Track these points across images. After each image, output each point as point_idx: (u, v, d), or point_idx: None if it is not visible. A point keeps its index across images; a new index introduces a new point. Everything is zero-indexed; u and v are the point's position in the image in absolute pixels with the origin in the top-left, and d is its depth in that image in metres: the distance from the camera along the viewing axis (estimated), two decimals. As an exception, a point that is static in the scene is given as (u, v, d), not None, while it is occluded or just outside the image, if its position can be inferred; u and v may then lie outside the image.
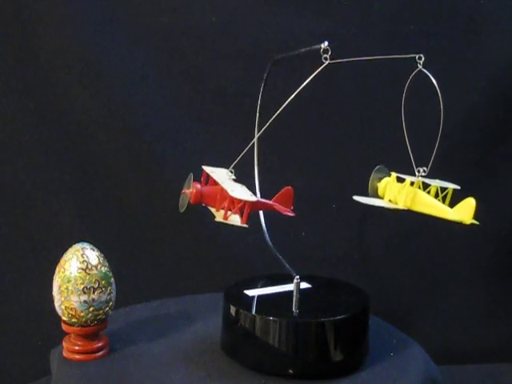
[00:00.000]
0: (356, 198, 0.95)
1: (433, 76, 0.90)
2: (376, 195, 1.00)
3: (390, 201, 0.96)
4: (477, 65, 1.35)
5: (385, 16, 1.32)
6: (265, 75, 0.99)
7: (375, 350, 0.94)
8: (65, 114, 1.29)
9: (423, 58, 0.92)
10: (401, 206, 0.94)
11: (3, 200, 1.30)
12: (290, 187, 0.95)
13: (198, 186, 0.90)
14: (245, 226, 0.86)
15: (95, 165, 1.31)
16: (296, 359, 0.87)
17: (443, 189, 0.96)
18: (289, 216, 0.93)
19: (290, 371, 0.87)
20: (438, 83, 0.89)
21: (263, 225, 0.94)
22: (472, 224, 0.88)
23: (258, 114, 1.00)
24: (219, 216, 0.88)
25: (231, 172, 0.91)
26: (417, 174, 0.94)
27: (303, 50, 0.86)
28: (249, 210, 0.86)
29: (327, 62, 0.81)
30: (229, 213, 0.87)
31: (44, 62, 1.26)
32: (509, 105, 1.36)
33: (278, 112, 0.83)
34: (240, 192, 0.86)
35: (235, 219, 0.87)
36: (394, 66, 1.29)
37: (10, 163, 1.30)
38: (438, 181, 0.95)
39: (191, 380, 0.87)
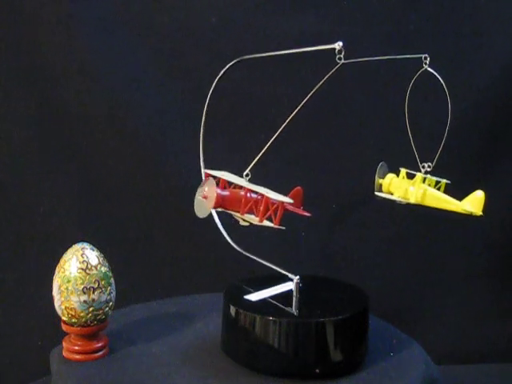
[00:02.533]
0: (377, 193, 1.01)
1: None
2: (380, 191, 1.02)
3: (398, 197, 0.99)
4: (477, 64, 1.35)
5: (385, 16, 1.32)
6: (221, 72, 0.98)
7: (375, 350, 0.94)
8: (65, 114, 1.29)
9: (429, 58, 0.93)
10: (413, 200, 0.96)
11: (3, 200, 1.30)
12: (299, 187, 0.95)
13: (219, 190, 0.86)
14: (282, 227, 0.84)
15: (95, 165, 1.31)
16: (296, 359, 0.87)
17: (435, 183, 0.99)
18: (305, 216, 0.92)
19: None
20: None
21: (221, 228, 0.92)
22: (481, 216, 0.91)
23: (205, 107, 0.99)
24: (252, 220, 0.86)
25: (247, 175, 0.88)
26: (422, 169, 0.97)
27: (315, 48, 0.85)
28: (282, 211, 0.84)
29: (341, 63, 0.81)
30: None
31: (44, 63, 1.26)
32: (509, 104, 1.36)
33: (294, 113, 0.83)
34: (275, 194, 0.84)
35: (266, 222, 0.85)
36: (393, 66, 1.29)
37: (10, 164, 1.30)
38: (429, 176, 0.98)
39: (191, 380, 0.87)
